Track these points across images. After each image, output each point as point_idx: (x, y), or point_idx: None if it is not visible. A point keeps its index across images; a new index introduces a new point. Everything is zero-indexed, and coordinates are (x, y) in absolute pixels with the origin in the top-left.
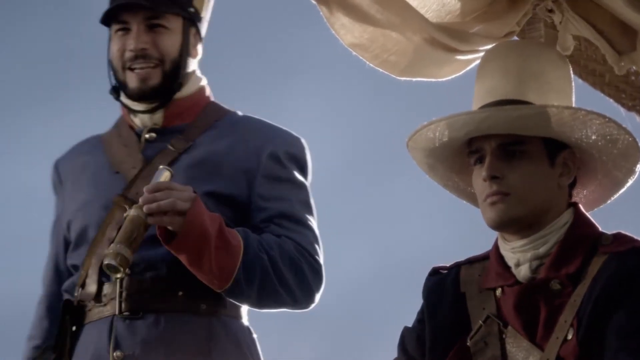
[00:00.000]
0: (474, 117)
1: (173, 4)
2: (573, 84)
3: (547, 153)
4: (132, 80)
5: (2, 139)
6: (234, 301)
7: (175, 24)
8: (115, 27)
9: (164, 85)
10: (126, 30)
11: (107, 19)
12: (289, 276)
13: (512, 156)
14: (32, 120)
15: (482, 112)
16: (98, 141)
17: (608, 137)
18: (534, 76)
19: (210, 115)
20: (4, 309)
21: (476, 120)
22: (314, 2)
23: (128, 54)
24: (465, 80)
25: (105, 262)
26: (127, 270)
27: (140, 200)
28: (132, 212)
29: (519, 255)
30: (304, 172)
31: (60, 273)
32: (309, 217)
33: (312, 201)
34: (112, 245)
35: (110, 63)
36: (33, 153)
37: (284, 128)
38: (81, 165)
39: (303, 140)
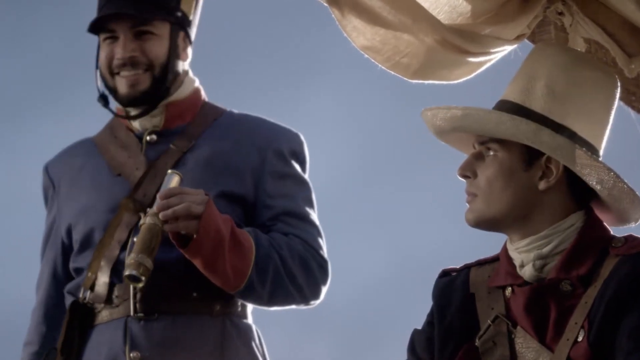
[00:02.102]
0: (455, 113)
1: (159, 9)
2: (602, 105)
3: (523, 155)
4: (121, 86)
5: (8, 139)
6: (245, 302)
7: (162, 29)
8: (102, 35)
9: (154, 90)
10: (114, 38)
11: (95, 28)
12: (299, 274)
13: (486, 156)
14: (39, 120)
15: (463, 109)
16: (91, 144)
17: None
18: (556, 93)
19: (208, 114)
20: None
21: (456, 117)
22: (326, 4)
23: (116, 62)
24: (479, 83)
25: (127, 272)
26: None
27: (155, 207)
28: (147, 219)
29: (523, 256)
30: (303, 167)
31: (58, 278)
32: (312, 213)
33: (313, 196)
34: (132, 255)
35: (99, 70)
36: (40, 153)
37: (284, 125)
38: (77, 168)
39: (302, 137)
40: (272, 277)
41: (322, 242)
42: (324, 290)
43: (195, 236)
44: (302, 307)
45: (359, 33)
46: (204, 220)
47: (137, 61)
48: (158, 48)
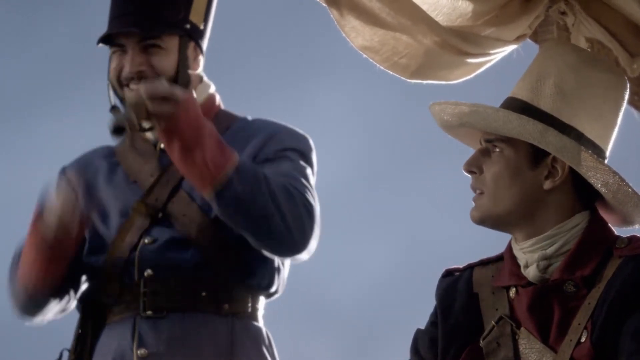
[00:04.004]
0: (462, 109)
1: (167, 24)
2: (611, 105)
3: (529, 154)
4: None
5: (8, 139)
6: (224, 212)
7: (170, 42)
8: (112, 48)
9: None
10: (123, 50)
11: (104, 40)
12: (281, 196)
13: (492, 152)
14: (39, 120)
15: (471, 106)
16: (110, 151)
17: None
18: (563, 92)
19: (222, 121)
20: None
21: (464, 113)
22: (325, 4)
23: (125, 74)
24: (488, 81)
25: (113, 121)
26: (138, 125)
27: (139, 87)
28: (131, 96)
29: (528, 256)
30: (310, 169)
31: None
32: (305, 178)
33: (310, 178)
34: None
35: (109, 81)
36: (40, 153)
37: (292, 126)
38: (93, 172)
39: (311, 141)
40: (253, 183)
41: (311, 196)
42: (312, 238)
43: (174, 113)
44: (291, 251)
45: (357, 33)
46: (186, 102)
47: (144, 75)
48: (166, 61)
